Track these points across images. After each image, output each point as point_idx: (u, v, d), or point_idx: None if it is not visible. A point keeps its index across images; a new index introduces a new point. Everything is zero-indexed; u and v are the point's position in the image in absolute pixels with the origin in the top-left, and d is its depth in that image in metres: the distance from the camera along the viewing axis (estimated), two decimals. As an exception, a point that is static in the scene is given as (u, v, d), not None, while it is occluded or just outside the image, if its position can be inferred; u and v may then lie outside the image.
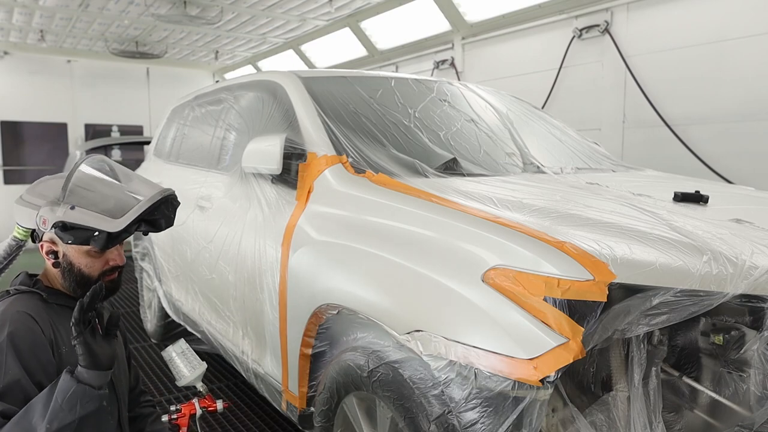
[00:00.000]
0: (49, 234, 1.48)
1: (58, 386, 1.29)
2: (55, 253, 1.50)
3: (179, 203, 1.57)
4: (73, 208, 1.41)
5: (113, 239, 1.43)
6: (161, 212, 1.49)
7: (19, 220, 1.53)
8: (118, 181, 1.52)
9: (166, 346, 1.97)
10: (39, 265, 1.57)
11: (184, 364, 2.04)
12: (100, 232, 1.40)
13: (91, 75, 9.47)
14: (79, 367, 1.31)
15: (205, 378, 2.26)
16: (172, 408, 2.01)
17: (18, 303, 1.42)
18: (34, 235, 1.57)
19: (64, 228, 1.40)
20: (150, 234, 3.69)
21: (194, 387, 2.10)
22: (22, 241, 1.63)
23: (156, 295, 3.79)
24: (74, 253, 1.49)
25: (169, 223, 1.53)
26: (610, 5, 4.42)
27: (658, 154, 4.18)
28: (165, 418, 1.96)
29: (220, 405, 1.93)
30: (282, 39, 8.06)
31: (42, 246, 1.51)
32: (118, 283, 1.58)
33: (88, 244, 1.43)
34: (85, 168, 1.51)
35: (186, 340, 2.10)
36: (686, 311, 1.26)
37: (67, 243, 1.43)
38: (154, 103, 10.01)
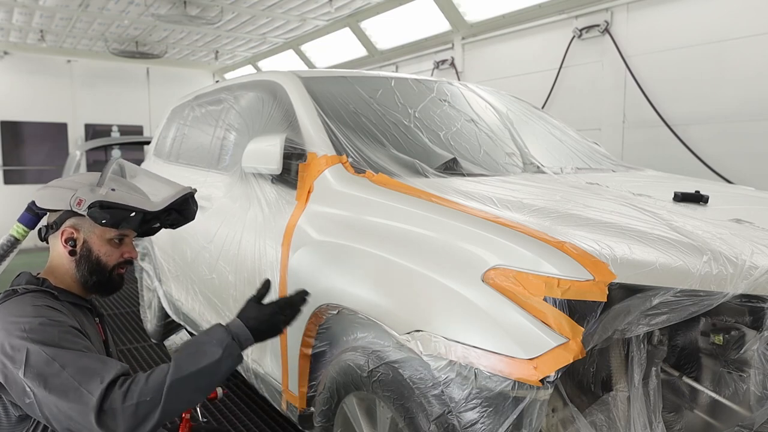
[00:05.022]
0: (72, 220, 1.52)
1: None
2: (74, 241, 1.52)
3: None
4: (114, 190, 1.52)
5: (145, 223, 1.53)
6: (189, 204, 1.65)
7: (44, 203, 1.56)
8: (158, 180, 1.68)
9: (168, 337, 1.99)
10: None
11: None
12: (137, 212, 1.50)
13: (91, 75, 9.46)
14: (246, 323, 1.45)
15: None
16: None
17: (36, 299, 1.42)
18: (41, 232, 1.59)
19: (101, 207, 1.47)
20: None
21: None
22: (17, 241, 1.65)
23: (156, 295, 3.78)
24: (96, 240, 1.54)
25: (193, 216, 1.68)
26: (610, 5, 4.42)
27: (658, 154, 4.17)
28: None
29: (219, 392, 1.95)
30: (282, 39, 8.05)
31: (62, 233, 1.53)
32: (123, 280, 1.63)
33: (118, 227, 1.50)
34: (119, 162, 1.64)
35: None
36: (686, 311, 1.26)
37: (101, 223, 1.48)
38: (154, 103, 10.01)
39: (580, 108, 4.72)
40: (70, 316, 1.43)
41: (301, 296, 1.61)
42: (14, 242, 1.65)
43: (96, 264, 1.54)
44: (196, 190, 1.68)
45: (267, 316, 1.50)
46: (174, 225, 1.66)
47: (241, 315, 1.50)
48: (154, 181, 1.65)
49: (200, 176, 3.02)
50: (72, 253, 1.53)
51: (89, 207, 1.48)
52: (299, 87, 2.44)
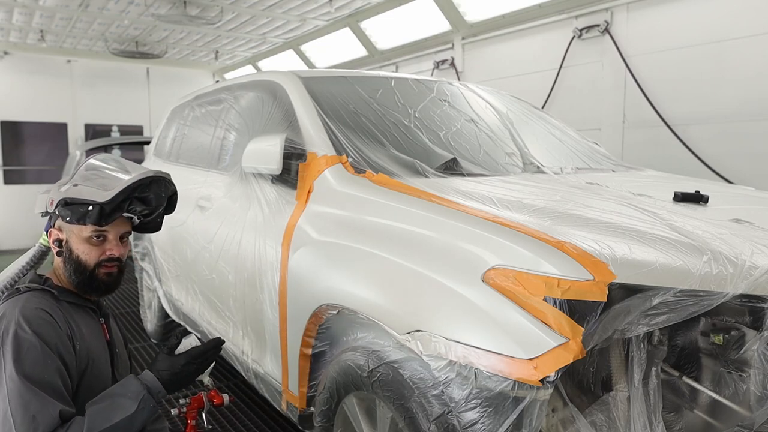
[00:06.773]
0: (58, 222, 1.54)
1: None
2: (60, 242, 1.54)
3: (175, 189, 1.64)
4: (76, 185, 1.49)
5: (106, 216, 1.47)
6: (152, 190, 1.55)
7: (37, 209, 1.59)
8: (125, 170, 1.59)
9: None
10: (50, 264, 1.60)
11: None
12: (93, 206, 1.45)
13: (91, 75, 9.46)
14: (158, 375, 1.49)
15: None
16: (182, 401, 2.02)
17: (32, 300, 1.44)
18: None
19: (65, 204, 1.46)
20: (150, 234, 3.69)
21: (201, 381, 2.11)
22: (46, 248, 1.67)
23: (156, 295, 3.79)
24: (75, 239, 1.53)
25: (160, 202, 1.58)
26: (610, 5, 4.42)
27: (658, 154, 4.17)
28: (174, 411, 1.98)
29: (226, 398, 1.94)
30: (282, 39, 8.05)
31: (50, 234, 1.55)
32: (117, 279, 1.59)
33: (85, 222, 1.47)
34: (93, 157, 1.61)
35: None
36: (686, 311, 1.26)
37: (66, 221, 1.47)
38: (154, 103, 10.00)
39: (580, 108, 4.72)
40: (60, 321, 1.43)
41: (214, 344, 1.64)
42: (45, 251, 1.68)
43: (77, 263, 1.53)
44: (166, 174, 1.59)
45: (179, 367, 1.53)
46: (146, 215, 1.57)
47: (153, 367, 1.52)
48: (125, 171, 1.56)
49: (200, 176, 3.02)
50: (59, 253, 1.55)
51: (56, 206, 1.49)
52: (299, 87, 2.44)
